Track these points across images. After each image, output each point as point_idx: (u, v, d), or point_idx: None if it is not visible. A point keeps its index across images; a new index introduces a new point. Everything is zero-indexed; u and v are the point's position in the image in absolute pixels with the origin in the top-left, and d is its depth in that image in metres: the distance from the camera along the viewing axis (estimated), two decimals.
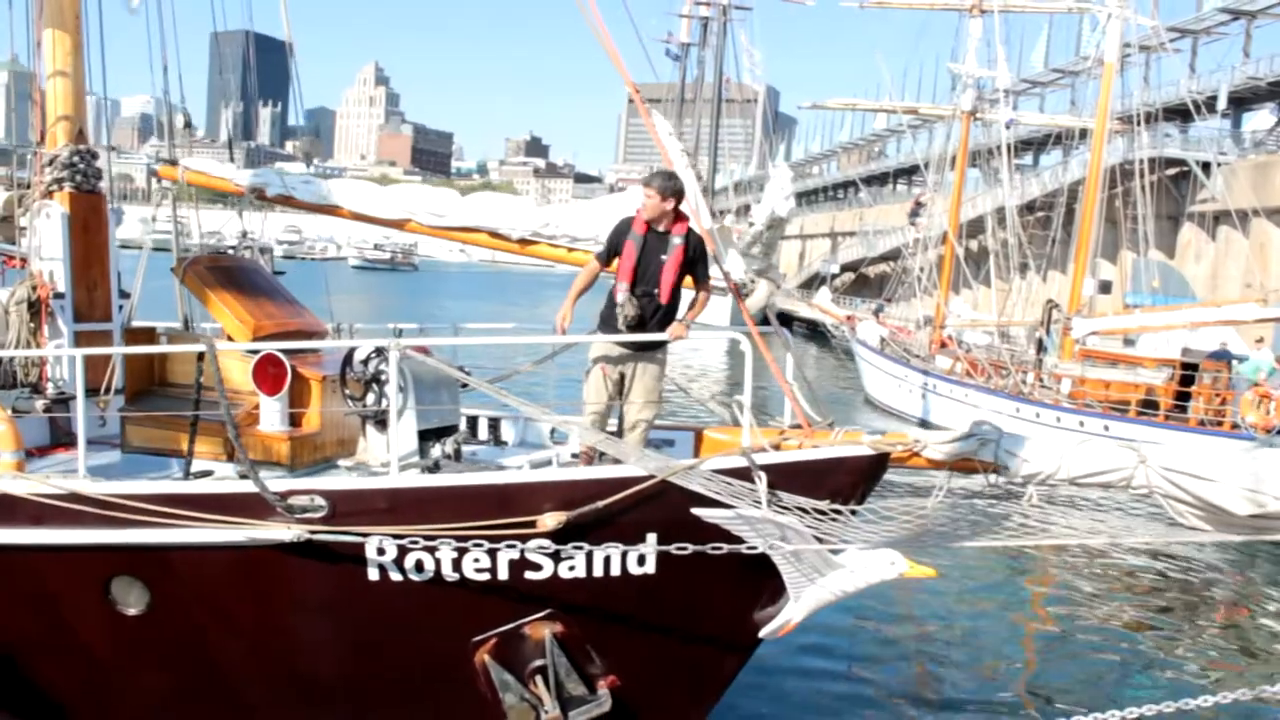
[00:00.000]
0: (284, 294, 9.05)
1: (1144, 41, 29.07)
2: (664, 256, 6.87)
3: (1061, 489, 5.97)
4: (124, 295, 9.19)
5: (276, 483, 6.27)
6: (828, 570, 6.10)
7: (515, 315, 64.08)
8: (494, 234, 8.24)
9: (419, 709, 6.91)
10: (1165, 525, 5.84)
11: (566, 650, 6.54)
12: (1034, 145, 57.85)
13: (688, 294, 7.25)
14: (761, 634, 6.51)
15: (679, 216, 6.98)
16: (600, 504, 6.04)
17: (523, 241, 8.14)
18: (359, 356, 7.48)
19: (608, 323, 7.04)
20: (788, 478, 6.02)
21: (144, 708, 7.05)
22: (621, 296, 6.87)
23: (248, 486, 6.19)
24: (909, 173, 74.72)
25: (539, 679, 6.53)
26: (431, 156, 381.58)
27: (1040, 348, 26.68)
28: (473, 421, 8.67)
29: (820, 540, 5.89)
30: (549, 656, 6.49)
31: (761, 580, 6.23)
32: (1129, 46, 28.54)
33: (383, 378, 7.01)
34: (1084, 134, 33.52)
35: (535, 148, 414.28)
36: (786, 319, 63.07)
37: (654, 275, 6.86)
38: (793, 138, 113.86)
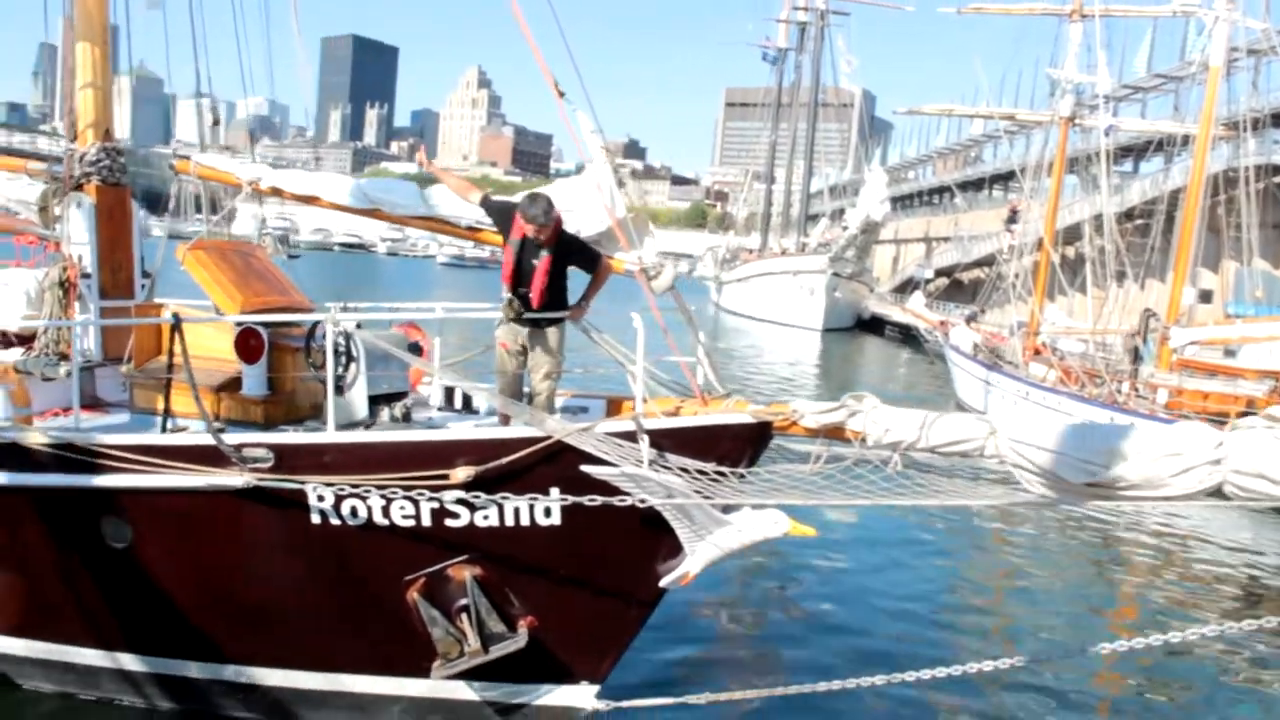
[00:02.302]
0: (275, 276, 9.72)
1: (1253, 45, 28.31)
2: (535, 263, 7.62)
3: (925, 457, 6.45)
4: (146, 276, 10.01)
5: (231, 437, 7.21)
6: (716, 528, 6.74)
7: (611, 316, 64.56)
8: (445, 221, 9.14)
9: (361, 639, 7.76)
10: (1007, 489, 6.28)
11: (486, 591, 7.35)
12: (1134, 152, 56.49)
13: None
14: (661, 584, 7.16)
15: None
16: (505, 460, 6.81)
17: (470, 229, 9.01)
18: (320, 331, 8.05)
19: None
20: (677, 441, 6.71)
21: (128, 630, 8.08)
22: (505, 295, 7.74)
23: (209, 439, 7.10)
24: (1005, 178, 73.49)
25: (464, 616, 7.35)
26: (531, 158, 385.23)
27: (1136, 357, 26.22)
28: (449, 392, 9.52)
29: (708, 500, 6.53)
30: (471, 596, 7.30)
31: (660, 536, 6.89)
32: (1236, 50, 27.78)
33: (338, 349, 7.67)
34: (1186, 140, 32.60)
35: (632, 150, 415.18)
36: (879, 323, 63.06)
37: (527, 278, 7.65)
38: (888, 142, 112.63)
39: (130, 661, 8.20)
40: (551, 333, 7.85)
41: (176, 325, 7.56)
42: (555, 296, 7.74)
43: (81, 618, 8.10)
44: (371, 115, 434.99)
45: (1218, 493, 5.74)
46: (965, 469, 6.46)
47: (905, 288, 67.98)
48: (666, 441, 6.70)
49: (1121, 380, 24.92)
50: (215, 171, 10.18)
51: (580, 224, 8.24)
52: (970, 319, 37.42)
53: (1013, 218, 46.31)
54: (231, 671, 8.08)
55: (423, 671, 7.48)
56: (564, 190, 8.46)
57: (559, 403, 8.65)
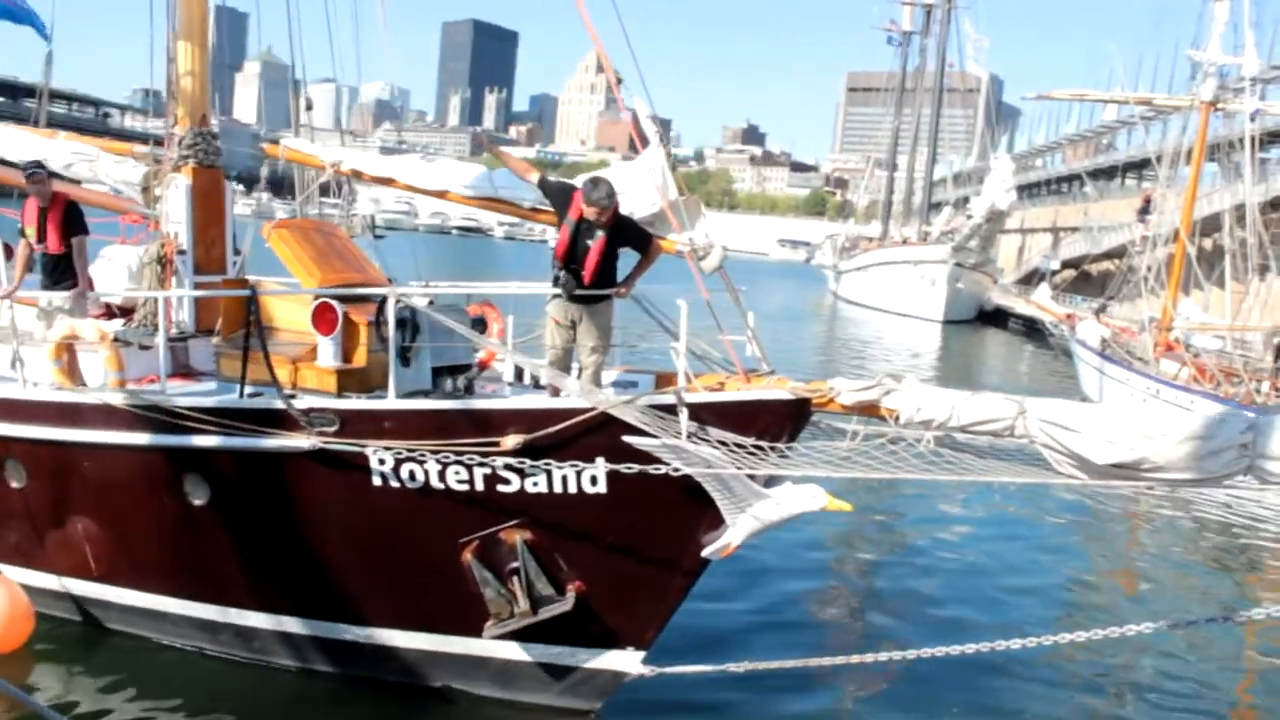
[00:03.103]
0: (352, 254, 10.12)
1: None
2: (589, 242, 7.90)
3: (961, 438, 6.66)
4: (237, 252, 10.50)
5: (300, 402, 7.71)
6: (757, 500, 6.96)
7: (725, 301, 64.45)
8: (508, 202, 9.63)
9: (419, 597, 8.21)
10: (1036, 469, 6.45)
11: (536, 555, 7.73)
12: None
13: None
14: (704, 553, 7.42)
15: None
16: (552, 429, 7.18)
17: (532, 209, 9.40)
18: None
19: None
20: (718, 415, 7.00)
21: (204, 581, 8.70)
22: (558, 273, 8.05)
23: (280, 404, 7.63)
24: (1139, 166, 70.65)
25: (514, 578, 7.77)
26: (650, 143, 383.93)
27: (1279, 355, 25.01)
28: (519, 371, 9.83)
29: (745, 472, 6.77)
30: (521, 559, 7.72)
31: (702, 508, 7.11)
32: None
33: (404, 322, 8.05)
34: None
35: (752, 135, 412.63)
36: (1002, 315, 61.40)
37: (581, 257, 7.93)
38: (1016, 129, 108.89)
39: (204, 611, 8.81)
40: (600, 309, 8.13)
41: (250, 297, 8.07)
42: (606, 275, 8.03)
43: (164, 569, 8.75)
44: (491, 100, 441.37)
45: (1247, 476, 5.73)
46: (999, 450, 6.59)
47: (1030, 279, 66.02)
48: (708, 415, 7.00)
49: (1261, 379, 23.77)
50: (301, 155, 10.80)
51: (635, 206, 8.49)
52: (1099, 312, 36.17)
53: (1146, 207, 44.66)
54: (294, 624, 8.61)
55: (476, 631, 7.93)
56: (621, 174, 8.77)
57: (612, 377, 8.98)
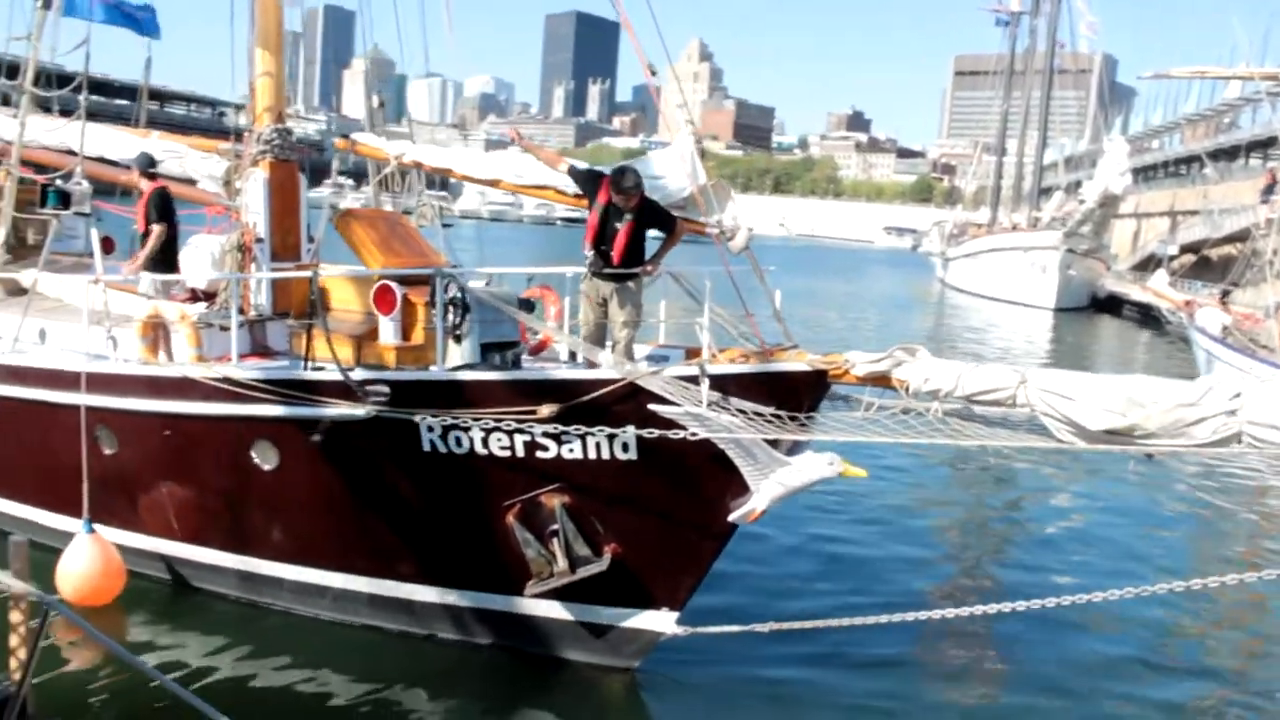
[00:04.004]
0: (415, 240, 10.71)
1: None
2: (618, 225, 8.50)
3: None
4: (311, 240, 11.06)
5: (356, 374, 8.38)
6: (778, 467, 7.45)
7: (833, 291, 64.02)
8: (556, 190, 9.92)
9: (464, 555, 8.85)
10: (1037, 436, 6.79)
11: (574, 518, 8.34)
12: None
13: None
14: (730, 518, 7.92)
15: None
16: (585, 398, 7.74)
17: (576, 196, 9.62)
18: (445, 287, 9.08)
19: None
20: (740, 386, 7.52)
21: (274, 541, 9.42)
22: (588, 253, 8.64)
23: (338, 376, 8.26)
24: (1264, 145, 67.47)
25: (554, 540, 8.38)
26: (753, 131, 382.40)
27: None
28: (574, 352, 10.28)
29: (763, 438, 7.28)
30: (560, 522, 8.33)
31: (729, 475, 7.62)
32: None
33: (456, 303, 8.59)
34: None
35: (857, 122, 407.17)
36: (1116, 302, 59.54)
37: (610, 239, 8.52)
38: (1130, 110, 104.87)
39: (274, 569, 9.59)
40: (629, 287, 8.66)
41: (311, 279, 8.69)
42: (634, 255, 8.60)
43: (240, 530, 9.54)
44: (594, 91, 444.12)
45: (1236, 442, 5.92)
46: (1006, 420, 6.90)
47: (1146, 265, 63.72)
48: (731, 386, 7.51)
49: None
50: (369, 148, 11.55)
51: (669, 190, 9.07)
52: (1224, 298, 34.66)
53: (1270, 188, 42.80)
54: (356, 581, 9.33)
55: (519, 589, 8.57)
56: (657, 160, 9.42)
57: (645, 351, 9.56)
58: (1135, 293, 54.36)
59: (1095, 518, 15.12)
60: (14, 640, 5.90)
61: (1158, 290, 37.56)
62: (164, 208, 10.44)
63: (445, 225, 12.53)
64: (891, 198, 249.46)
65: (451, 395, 8.19)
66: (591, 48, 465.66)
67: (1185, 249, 65.68)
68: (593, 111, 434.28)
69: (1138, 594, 7.53)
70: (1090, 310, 60.41)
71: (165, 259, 10.57)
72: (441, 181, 12.57)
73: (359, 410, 8.28)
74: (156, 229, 10.29)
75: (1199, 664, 10.18)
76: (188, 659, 8.91)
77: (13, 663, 5.93)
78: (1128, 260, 75.37)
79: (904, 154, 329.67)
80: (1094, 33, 70.08)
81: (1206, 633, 11.04)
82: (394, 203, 12.12)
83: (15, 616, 5.89)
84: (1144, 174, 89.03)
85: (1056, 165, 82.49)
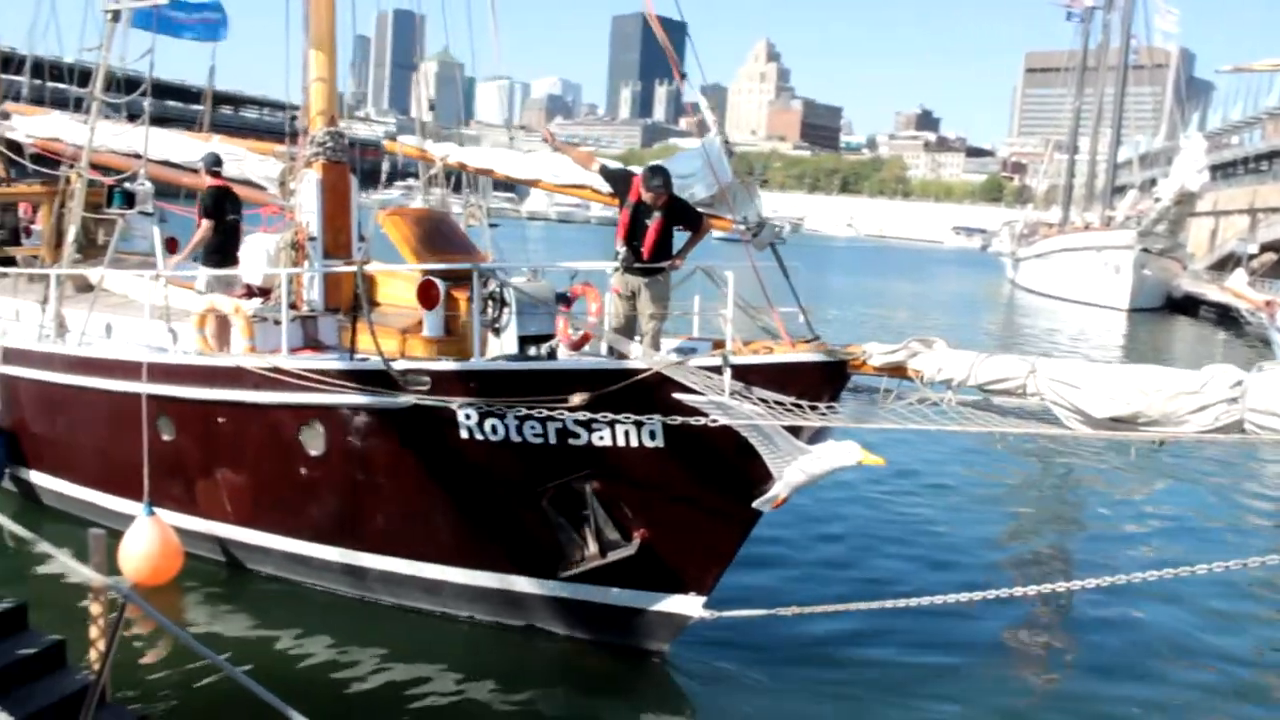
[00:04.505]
0: (458, 238, 11.07)
1: None
2: (648, 222, 8.82)
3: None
4: (362, 239, 11.50)
5: (398, 364, 8.71)
6: (799, 454, 7.66)
7: (901, 291, 63.47)
8: (592, 189, 10.34)
9: (499, 538, 9.20)
10: (1045, 424, 6.97)
11: (604, 503, 8.68)
12: None
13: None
14: (755, 505, 8.14)
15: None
16: (613, 388, 7.97)
17: (610, 194, 9.85)
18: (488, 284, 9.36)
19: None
20: (763, 376, 7.76)
21: (321, 524, 9.82)
22: (619, 249, 8.91)
23: (381, 366, 8.61)
24: None
25: (585, 524, 8.75)
26: (821, 131, 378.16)
27: None
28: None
29: (783, 426, 7.48)
30: (591, 507, 8.68)
31: (753, 463, 7.81)
32: None
33: (495, 297, 9.03)
34: None
35: (926, 121, 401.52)
36: (1193, 302, 58.21)
37: (641, 235, 8.83)
38: (1208, 105, 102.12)
39: (320, 551, 9.99)
40: (657, 281, 8.93)
41: (357, 275, 9.01)
42: (662, 250, 8.92)
43: (290, 513, 9.96)
44: (661, 92, 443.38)
45: (1238, 430, 6.01)
46: (1018, 409, 7.11)
47: (1225, 264, 62.27)
48: (753, 376, 7.75)
49: None
50: (415, 150, 12.06)
51: (697, 189, 9.41)
52: None
53: None
54: (399, 564, 9.67)
55: (551, 573, 8.95)
56: (686, 160, 9.76)
57: (674, 343, 9.81)
58: (1213, 293, 53.08)
59: (1114, 510, 15.58)
60: (93, 632, 6.20)
61: (1236, 290, 36.75)
62: (217, 205, 10.94)
63: (492, 225, 12.95)
64: (961, 197, 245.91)
65: (488, 384, 8.51)
66: (658, 48, 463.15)
67: (1266, 247, 64.08)
68: (659, 112, 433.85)
69: (1160, 576, 7.76)
70: (1165, 311, 59.09)
71: (225, 255, 11.12)
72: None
73: (401, 399, 8.63)
74: (204, 224, 10.81)
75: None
76: (242, 637, 9.37)
77: (92, 654, 6.21)
78: (1205, 259, 73.67)
79: (973, 153, 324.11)
80: (1173, 26, 68.39)
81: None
82: (444, 203, 12.58)
83: (95, 609, 6.16)
84: (1223, 170, 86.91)
85: (1131, 163, 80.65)
